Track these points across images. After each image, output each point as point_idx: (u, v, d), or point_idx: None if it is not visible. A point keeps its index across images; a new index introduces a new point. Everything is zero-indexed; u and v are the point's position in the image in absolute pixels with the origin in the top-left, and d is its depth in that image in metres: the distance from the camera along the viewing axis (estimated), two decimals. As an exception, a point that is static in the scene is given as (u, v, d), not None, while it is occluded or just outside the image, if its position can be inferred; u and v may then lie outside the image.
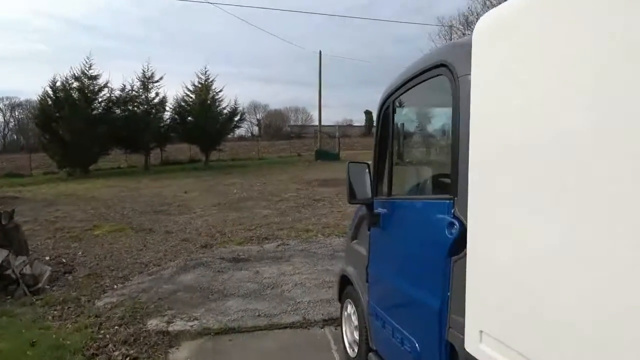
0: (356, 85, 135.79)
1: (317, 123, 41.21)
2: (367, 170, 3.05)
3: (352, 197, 3.03)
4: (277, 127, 71.37)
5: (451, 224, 2.08)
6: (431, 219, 2.28)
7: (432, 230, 2.26)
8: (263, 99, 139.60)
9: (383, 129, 3.13)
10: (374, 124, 3.26)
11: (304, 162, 32.57)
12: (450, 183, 2.16)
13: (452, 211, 2.09)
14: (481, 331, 1.83)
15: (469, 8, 23.38)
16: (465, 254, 1.95)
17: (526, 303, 1.58)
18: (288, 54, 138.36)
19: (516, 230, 1.63)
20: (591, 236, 1.31)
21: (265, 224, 10.55)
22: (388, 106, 3.00)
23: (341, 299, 4.15)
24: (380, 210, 3.00)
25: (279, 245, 8.36)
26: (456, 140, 2.09)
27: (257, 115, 78.28)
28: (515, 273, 1.63)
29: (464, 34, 20.74)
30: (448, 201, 2.14)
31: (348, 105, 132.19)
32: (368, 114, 78.15)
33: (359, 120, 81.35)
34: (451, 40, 22.81)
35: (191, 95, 32.86)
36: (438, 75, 2.31)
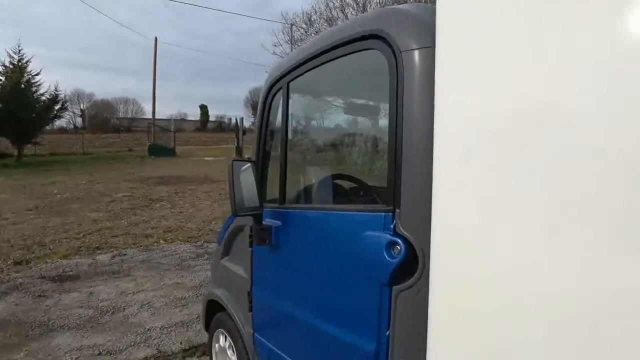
0: (191, 78, 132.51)
1: (149, 116, 39.34)
2: (252, 170, 2.39)
3: (239, 206, 2.35)
4: (105, 119, 66.13)
5: (392, 244, 1.60)
6: (360, 237, 1.75)
7: (361, 251, 1.74)
8: (88, 88, 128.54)
9: (272, 118, 2.52)
10: (258, 110, 2.60)
11: (136, 158, 30.44)
12: (388, 191, 1.67)
13: (393, 227, 1.62)
14: None
15: (312, 7, 23.56)
16: (414, 283, 1.54)
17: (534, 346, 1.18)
18: (118, 39, 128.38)
19: (514, 249, 1.22)
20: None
21: (96, 230, 9.25)
22: (280, 89, 2.41)
23: (209, 328, 3.45)
24: (271, 222, 2.39)
25: (114, 256, 7.28)
26: (397, 134, 1.61)
27: (82, 105, 71.58)
28: (516, 307, 1.22)
29: (306, 32, 20.81)
30: (385, 214, 1.65)
31: (182, 98, 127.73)
32: (203, 107, 76.86)
33: (194, 114, 79.79)
34: (292, 38, 22.77)
35: (0, 77, 28.56)
36: (367, 49, 1.79)
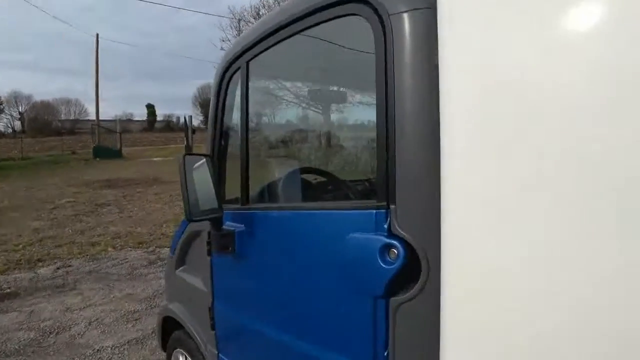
0: (136, 76, 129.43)
1: (93, 117, 38.14)
2: (208, 166, 2.02)
3: (193, 209, 1.95)
4: (45, 122, 63.60)
5: (387, 247, 1.32)
6: (346, 240, 1.46)
7: (348, 257, 1.45)
8: (27, 89, 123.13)
9: (229, 104, 2.20)
10: (212, 96, 2.25)
11: (80, 161, 29.20)
12: (380, 184, 1.39)
13: (387, 226, 1.34)
14: None
15: (260, 1, 23.20)
16: (418, 292, 1.28)
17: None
18: (57, 37, 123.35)
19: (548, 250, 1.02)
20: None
21: (37, 240, 8.60)
22: (238, 70, 2.07)
23: (167, 347, 3.07)
24: (234, 226, 2.05)
25: (58, 268, 6.74)
26: (389, 116, 1.33)
27: (20, 108, 68.77)
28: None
29: (254, 26, 20.44)
30: (377, 211, 1.37)
31: (127, 98, 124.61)
32: (150, 107, 75.34)
33: (141, 114, 78.23)
34: (239, 33, 22.26)
35: None
36: (345, 15, 1.50)
